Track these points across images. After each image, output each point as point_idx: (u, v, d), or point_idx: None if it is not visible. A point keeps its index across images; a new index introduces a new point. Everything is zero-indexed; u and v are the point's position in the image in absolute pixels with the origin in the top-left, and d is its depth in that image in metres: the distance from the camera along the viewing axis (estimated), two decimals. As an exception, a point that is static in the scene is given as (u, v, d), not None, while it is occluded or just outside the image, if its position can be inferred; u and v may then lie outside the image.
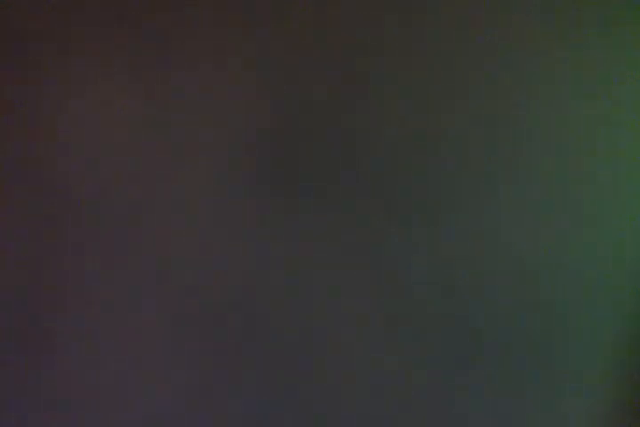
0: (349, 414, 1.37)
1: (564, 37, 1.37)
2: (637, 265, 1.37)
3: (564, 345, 1.37)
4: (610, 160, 1.37)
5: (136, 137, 1.35)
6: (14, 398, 1.35)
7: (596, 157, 1.37)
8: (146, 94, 1.35)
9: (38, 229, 1.35)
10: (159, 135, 1.35)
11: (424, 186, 1.37)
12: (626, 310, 1.37)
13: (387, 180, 1.36)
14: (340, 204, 1.36)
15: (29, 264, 1.35)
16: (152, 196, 1.35)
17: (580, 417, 1.37)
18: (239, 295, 1.36)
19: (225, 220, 1.36)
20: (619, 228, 1.37)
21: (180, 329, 1.35)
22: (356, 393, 1.37)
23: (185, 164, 1.36)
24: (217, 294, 1.35)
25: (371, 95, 1.36)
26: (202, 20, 1.35)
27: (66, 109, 1.35)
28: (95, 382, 1.35)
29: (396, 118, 1.37)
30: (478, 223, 1.37)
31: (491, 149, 1.37)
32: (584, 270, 1.37)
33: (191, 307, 1.35)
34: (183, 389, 1.36)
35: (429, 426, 1.37)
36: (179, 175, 1.35)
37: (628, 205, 1.37)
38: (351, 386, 1.37)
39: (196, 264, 1.35)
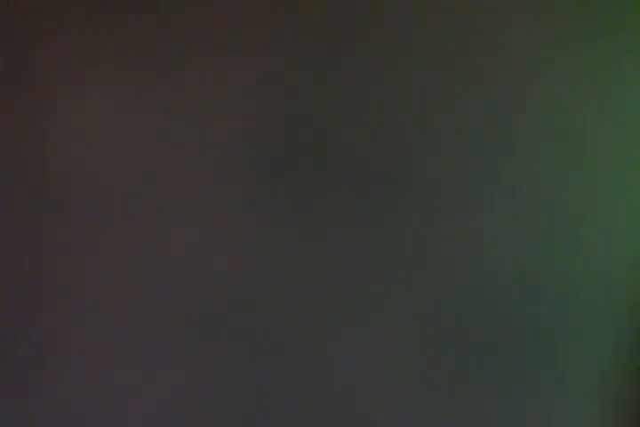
0: (350, 413, 1.37)
1: (565, 37, 1.37)
2: (637, 265, 1.37)
3: (564, 345, 1.37)
4: (610, 159, 1.37)
5: (136, 137, 1.35)
6: (14, 398, 1.35)
7: (596, 155, 1.37)
8: (146, 94, 1.35)
9: (38, 229, 1.35)
10: (159, 135, 1.35)
11: (424, 186, 1.37)
12: (626, 310, 1.37)
13: (387, 179, 1.36)
14: (339, 203, 1.36)
15: (29, 264, 1.35)
16: (152, 195, 1.35)
17: (579, 417, 1.37)
18: (239, 295, 1.36)
19: (225, 219, 1.36)
20: (619, 228, 1.37)
21: (180, 329, 1.35)
22: (356, 393, 1.37)
23: (185, 164, 1.36)
24: (217, 293, 1.35)
25: (372, 96, 1.36)
26: (202, 20, 1.35)
27: (66, 109, 1.35)
28: (95, 382, 1.35)
29: (397, 118, 1.37)
30: (479, 223, 1.37)
31: (489, 149, 1.37)
32: (584, 270, 1.37)
33: (191, 307, 1.35)
34: (183, 389, 1.36)
35: None
36: (179, 175, 1.35)
37: (629, 205, 1.37)
38: (351, 385, 1.37)
39: (195, 264, 1.35)
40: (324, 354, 1.36)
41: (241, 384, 1.36)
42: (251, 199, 1.36)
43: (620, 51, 1.37)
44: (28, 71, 1.35)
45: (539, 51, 1.37)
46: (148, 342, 1.35)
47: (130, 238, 1.35)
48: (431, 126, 1.37)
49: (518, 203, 1.37)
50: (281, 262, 1.36)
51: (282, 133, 1.36)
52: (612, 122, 1.37)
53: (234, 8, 1.36)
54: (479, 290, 1.37)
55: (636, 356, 1.37)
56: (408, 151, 1.37)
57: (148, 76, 1.35)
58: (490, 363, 1.37)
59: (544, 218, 1.37)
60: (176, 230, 1.35)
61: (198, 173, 1.36)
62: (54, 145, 1.35)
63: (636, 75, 1.37)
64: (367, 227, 1.36)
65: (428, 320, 1.36)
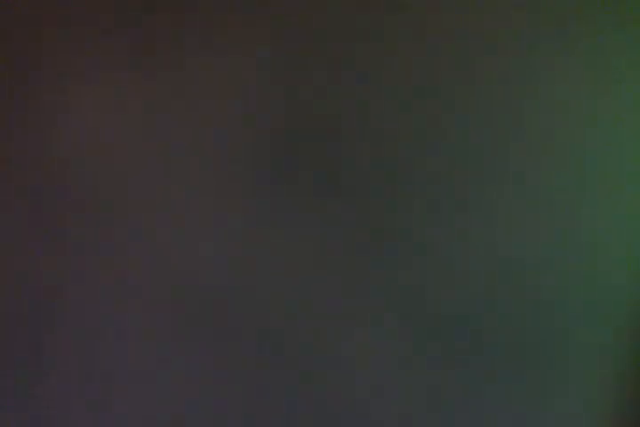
0: (349, 413, 1.37)
1: (565, 36, 1.37)
2: (637, 264, 1.37)
3: (564, 345, 1.37)
4: (610, 159, 1.37)
5: (136, 137, 1.35)
6: (14, 398, 1.35)
7: (595, 155, 1.37)
8: (146, 94, 1.35)
9: (38, 229, 1.35)
10: (159, 135, 1.35)
11: (424, 186, 1.37)
12: (626, 310, 1.37)
13: (387, 179, 1.36)
14: (340, 203, 1.36)
15: (29, 264, 1.35)
16: (152, 195, 1.35)
17: (579, 417, 1.37)
18: (239, 295, 1.36)
19: (225, 220, 1.36)
20: (619, 227, 1.37)
21: (180, 329, 1.35)
22: (356, 392, 1.37)
23: (185, 164, 1.36)
24: (217, 293, 1.35)
25: (372, 95, 1.36)
26: (202, 20, 1.35)
27: (66, 109, 1.35)
28: (95, 382, 1.35)
29: (398, 118, 1.37)
30: (479, 223, 1.37)
31: (490, 149, 1.37)
32: (584, 270, 1.37)
33: (191, 306, 1.35)
34: (183, 389, 1.36)
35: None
36: (179, 175, 1.35)
37: (629, 204, 1.37)
38: (351, 385, 1.37)
39: (195, 264, 1.35)
40: (324, 354, 1.36)
41: (241, 384, 1.36)
42: (251, 199, 1.36)
43: (621, 51, 1.37)
44: (29, 71, 1.35)
45: (539, 50, 1.36)
46: (148, 342, 1.35)
47: (129, 238, 1.35)
48: (431, 126, 1.37)
49: (518, 203, 1.37)
50: (281, 263, 1.36)
51: (282, 133, 1.36)
52: (612, 122, 1.37)
53: (234, 8, 1.36)
54: (479, 290, 1.37)
55: (636, 356, 1.37)
56: (408, 151, 1.37)
57: (147, 77, 1.36)
58: (490, 363, 1.37)
59: (544, 218, 1.37)
60: (176, 230, 1.36)
61: (198, 174, 1.36)
62: (54, 145, 1.35)
63: (636, 75, 1.37)
64: (367, 228, 1.36)
65: (429, 320, 1.36)
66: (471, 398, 1.37)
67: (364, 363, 1.36)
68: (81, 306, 1.35)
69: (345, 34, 1.36)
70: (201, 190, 1.36)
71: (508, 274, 1.37)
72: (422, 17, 1.36)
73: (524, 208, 1.37)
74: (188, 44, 1.35)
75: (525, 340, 1.37)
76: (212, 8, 1.35)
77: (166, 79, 1.35)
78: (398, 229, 1.36)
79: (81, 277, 1.35)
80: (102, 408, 1.36)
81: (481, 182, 1.37)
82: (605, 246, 1.37)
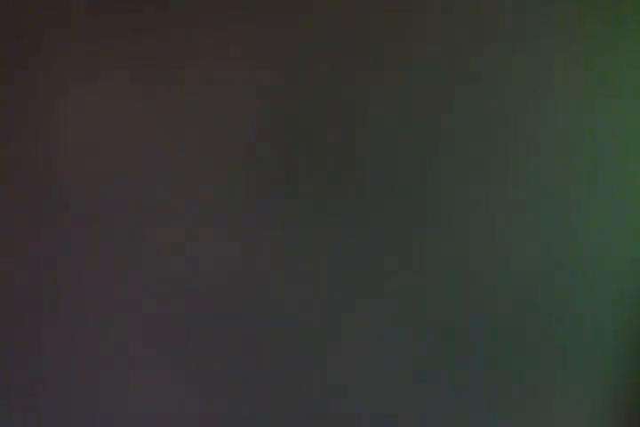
0: (348, 412, 1.37)
1: (564, 37, 1.37)
2: (637, 264, 1.37)
3: (564, 345, 1.37)
4: (609, 159, 1.38)
5: (136, 137, 1.35)
6: (14, 399, 1.35)
7: (595, 155, 1.37)
8: (145, 94, 1.35)
9: (38, 230, 1.34)
10: (159, 135, 1.35)
11: (424, 187, 1.37)
12: (626, 310, 1.37)
13: (386, 180, 1.37)
14: (339, 204, 1.36)
15: (29, 264, 1.35)
16: (152, 196, 1.35)
17: (579, 417, 1.37)
18: (239, 295, 1.36)
19: (225, 220, 1.36)
20: (618, 227, 1.37)
21: (180, 329, 1.35)
22: (355, 392, 1.37)
23: (185, 164, 1.36)
24: (217, 294, 1.35)
25: (371, 96, 1.36)
26: (202, 20, 1.36)
27: (66, 110, 1.35)
28: (94, 382, 1.35)
29: (397, 119, 1.37)
30: (478, 223, 1.37)
31: (490, 150, 1.37)
32: (584, 270, 1.37)
33: (191, 307, 1.35)
34: (182, 389, 1.36)
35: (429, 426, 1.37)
36: (178, 175, 1.35)
37: (628, 204, 1.37)
38: (350, 385, 1.37)
39: (195, 264, 1.35)
40: (325, 355, 1.36)
41: (240, 383, 1.36)
42: (251, 203, 1.36)
43: (620, 51, 1.37)
44: (29, 71, 1.35)
45: (539, 50, 1.37)
46: (149, 343, 1.35)
47: (129, 238, 1.35)
48: (431, 128, 1.37)
49: (519, 203, 1.37)
50: (282, 264, 1.36)
51: (282, 134, 1.36)
52: (612, 122, 1.37)
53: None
54: (479, 290, 1.37)
55: (636, 356, 1.37)
56: (408, 152, 1.37)
57: (147, 78, 1.36)
58: (489, 362, 1.37)
59: (545, 219, 1.37)
60: (177, 231, 1.35)
61: (198, 174, 1.36)
62: (54, 145, 1.35)
63: (636, 74, 1.37)
64: (367, 229, 1.36)
65: (428, 320, 1.36)
66: (471, 399, 1.37)
67: (365, 364, 1.36)
68: (81, 306, 1.35)
69: (346, 34, 1.36)
70: (202, 191, 1.35)
71: (508, 275, 1.37)
72: (422, 17, 1.36)
73: (524, 208, 1.37)
74: (187, 44, 1.35)
75: (525, 340, 1.37)
76: (212, 8, 1.35)
77: (167, 79, 1.35)
78: (398, 231, 1.36)
79: (80, 279, 1.35)
80: (102, 408, 1.36)
81: (481, 183, 1.37)
82: (606, 246, 1.37)
